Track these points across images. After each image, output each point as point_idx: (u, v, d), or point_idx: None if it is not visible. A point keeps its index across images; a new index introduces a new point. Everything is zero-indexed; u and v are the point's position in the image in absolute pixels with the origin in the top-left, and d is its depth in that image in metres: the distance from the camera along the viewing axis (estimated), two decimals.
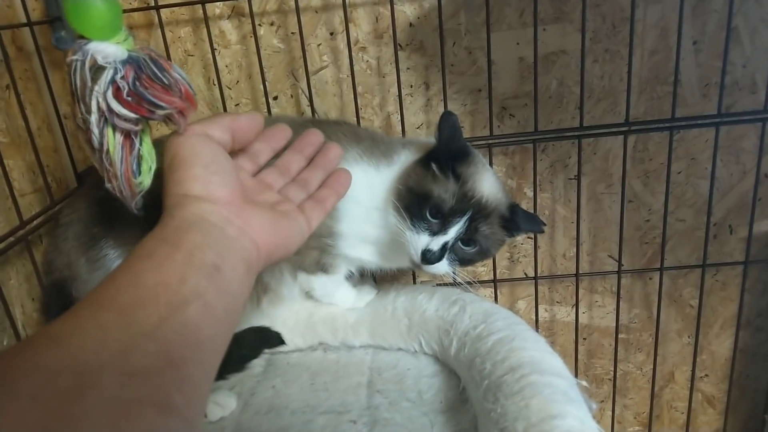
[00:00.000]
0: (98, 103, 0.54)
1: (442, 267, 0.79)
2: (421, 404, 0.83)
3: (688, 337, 1.24)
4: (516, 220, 0.83)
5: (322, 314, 0.95)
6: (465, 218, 0.78)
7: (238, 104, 1.08)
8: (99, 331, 0.39)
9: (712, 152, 1.02)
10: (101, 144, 0.56)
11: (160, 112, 0.56)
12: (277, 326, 0.94)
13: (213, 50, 0.98)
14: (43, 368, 0.35)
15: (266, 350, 0.95)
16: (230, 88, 1.07)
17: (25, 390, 0.33)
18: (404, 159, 0.84)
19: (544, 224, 0.89)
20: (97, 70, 0.54)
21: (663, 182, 1.06)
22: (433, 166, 0.79)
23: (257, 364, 0.93)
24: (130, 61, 0.55)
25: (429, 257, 0.77)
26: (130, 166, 0.57)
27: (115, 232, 0.80)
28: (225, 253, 0.50)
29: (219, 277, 0.48)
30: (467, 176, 0.79)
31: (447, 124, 0.78)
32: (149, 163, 0.59)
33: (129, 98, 0.54)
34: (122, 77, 0.54)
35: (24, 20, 0.91)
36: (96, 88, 0.54)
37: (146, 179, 0.59)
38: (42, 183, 0.91)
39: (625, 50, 1.01)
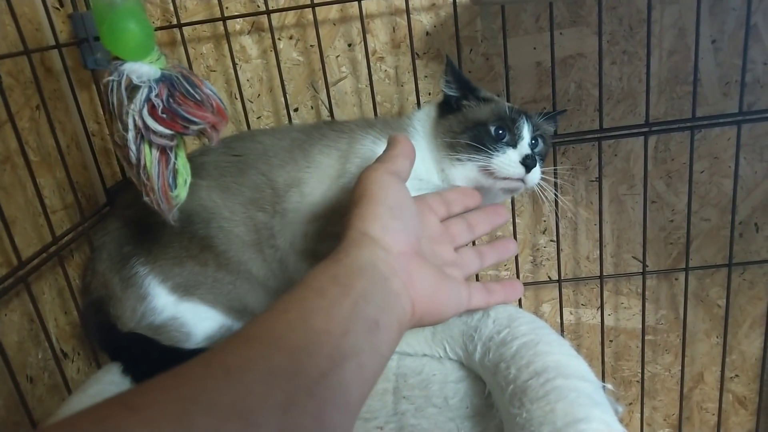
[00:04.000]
0: (134, 120, 0.56)
1: (539, 171, 0.78)
2: (447, 410, 0.83)
3: (717, 337, 1.23)
4: (540, 114, 0.85)
5: None
6: (525, 117, 0.79)
7: (259, 117, 1.10)
8: (269, 375, 0.38)
9: (735, 150, 1.01)
10: (138, 160, 0.58)
11: (194, 128, 0.58)
12: None
13: (234, 65, 1.00)
14: (218, 408, 0.35)
15: None
16: (252, 102, 1.09)
17: (200, 426, 0.33)
18: (419, 127, 0.86)
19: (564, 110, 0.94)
20: (133, 89, 0.57)
21: (686, 182, 1.06)
22: (464, 102, 0.82)
23: None
24: (164, 79, 0.57)
25: (529, 162, 0.75)
26: (166, 179, 0.59)
27: (144, 249, 0.83)
28: (385, 309, 0.49)
29: (376, 335, 0.46)
30: (491, 98, 0.83)
31: (450, 66, 0.82)
32: (184, 177, 0.61)
33: (164, 115, 0.56)
34: (156, 95, 0.56)
35: (52, 42, 0.93)
36: (132, 106, 0.56)
37: (182, 192, 0.61)
38: (72, 199, 0.93)
39: (643, 51, 1.01)
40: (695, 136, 1.02)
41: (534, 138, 0.80)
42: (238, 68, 1.04)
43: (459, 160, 0.78)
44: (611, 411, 0.69)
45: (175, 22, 0.98)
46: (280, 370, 0.39)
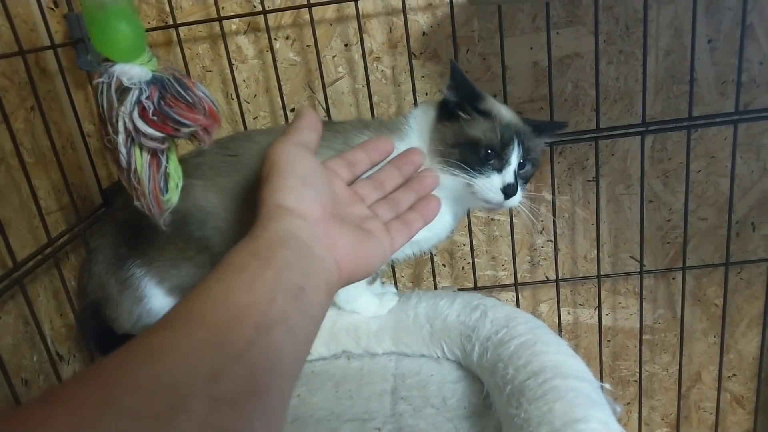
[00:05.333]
0: (125, 123, 0.56)
1: (519, 196, 0.80)
2: (445, 410, 0.83)
3: (714, 336, 1.23)
4: (539, 128, 0.85)
5: (344, 322, 0.96)
6: (516, 143, 0.80)
7: (256, 117, 1.10)
8: (193, 350, 0.39)
9: (732, 150, 1.01)
10: (129, 163, 0.57)
11: (185, 130, 0.57)
12: None
13: (231, 65, 1.00)
14: (141, 386, 0.35)
15: None
16: (248, 102, 1.09)
17: (125, 408, 0.33)
18: (415, 126, 0.86)
19: (565, 123, 0.93)
20: (123, 91, 0.56)
21: (683, 181, 1.06)
22: (461, 114, 0.81)
23: None
24: (155, 81, 0.57)
25: (510, 191, 0.78)
26: (157, 183, 0.59)
27: (139, 251, 0.82)
28: (310, 274, 0.50)
29: (303, 300, 0.47)
30: (490, 109, 0.82)
31: (457, 72, 0.80)
32: (176, 180, 0.60)
33: (154, 117, 0.56)
34: (147, 97, 0.56)
35: (47, 43, 0.93)
36: (122, 109, 0.55)
37: (174, 196, 0.60)
38: (68, 201, 0.93)
39: (640, 51, 1.01)
40: (692, 135, 1.02)
41: (522, 161, 0.81)
42: (234, 69, 1.03)
43: (449, 169, 0.80)
44: (609, 411, 0.69)
45: (171, 22, 0.97)
46: (204, 344, 0.39)
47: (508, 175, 0.79)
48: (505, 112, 0.84)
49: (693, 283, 1.19)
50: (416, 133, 0.84)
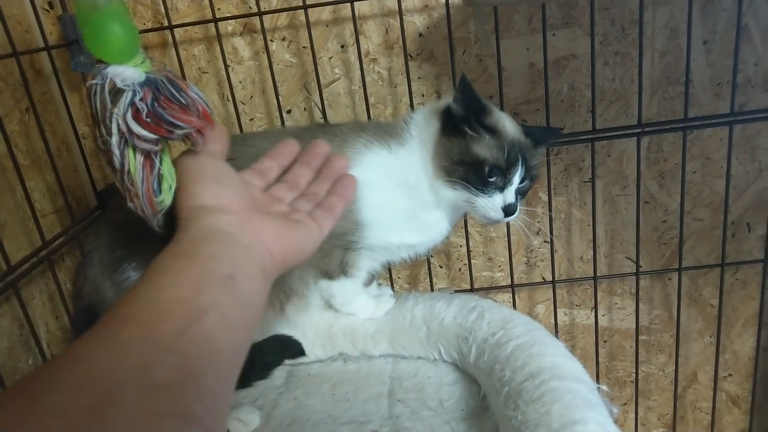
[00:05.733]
0: (118, 125, 0.55)
1: (518, 212, 0.83)
2: (442, 412, 0.83)
3: (710, 336, 1.23)
4: (538, 138, 0.86)
5: (341, 325, 0.96)
6: (520, 162, 0.81)
7: (252, 119, 1.09)
8: (120, 346, 0.40)
9: (727, 151, 1.01)
10: (122, 165, 0.57)
11: (179, 132, 0.57)
12: (298, 337, 0.95)
13: (226, 67, 0.99)
14: (67, 385, 0.36)
15: (287, 361, 0.96)
16: (244, 104, 1.08)
17: (50, 407, 0.34)
18: (416, 134, 0.86)
19: (560, 129, 0.94)
20: (116, 93, 0.56)
21: (678, 182, 1.06)
22: (468, 131, 0.82)
23: (278, 376, 0.94)
24: (148, 82, 0.57)
25: (510, 209, 0.81)
26: (151, 185, 0.58)
27: (136, 253, 0.82)
28: (240, 263, 0.51)
29: (235, 287, 0.48)
30: (495, 125, 0.82)
31: (466, 85, 0.80)
32: (169, 182, 0.60)
33: (148, 119, 0.55)
34: (141, 99, 0.55)
35: (41, 44, 0.93)
36: (116, 110, 0.55)
37: (167, 198, 0.60)
38: (62, 203, 0.92)
39: (636, 52, 1.01)
40: (687, 136, 1.02)
41: (523, 179, 0.83)
42: (230, 70, 1.03)
43: (452, 185, 0.82)
44: (606, 413, 0.69)
45: (166, 23, 0.97)
46: (132, 339, 0.40)
47: (510, 195, 0.81)
48: (509, 127, 0.84)
49: (689, 283, 1.19)
50: (418, 142, 0.84)
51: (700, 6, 0.99)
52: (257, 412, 0.85)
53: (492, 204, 0.81)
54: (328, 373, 0.94)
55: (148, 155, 0.58)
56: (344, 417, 0.83)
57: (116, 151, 0.57)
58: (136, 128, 0.55)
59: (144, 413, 0.37)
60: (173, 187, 0.61)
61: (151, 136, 0.56)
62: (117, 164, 0.57)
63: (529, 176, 0.84)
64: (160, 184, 0.60)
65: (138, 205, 0.60)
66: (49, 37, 0.95)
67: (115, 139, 0.56)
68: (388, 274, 1.15)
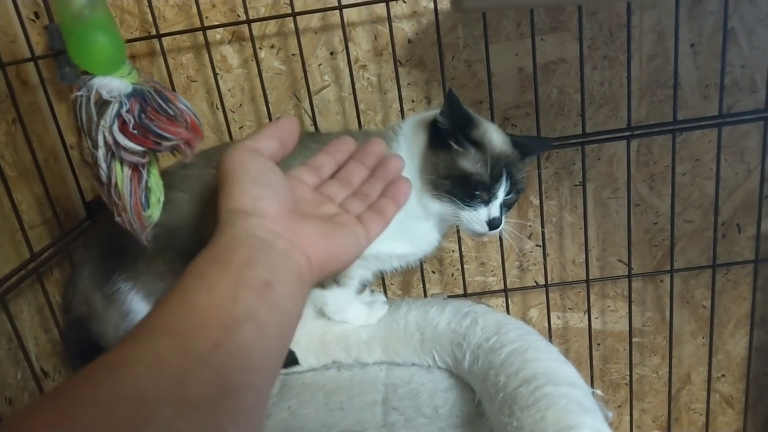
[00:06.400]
0: (105, 137, 0.55)
1: (503, 225, 0.84)
2: (437, 419, 0.83)
3: (703, 338, 1.24)
4: (525, 149, 0.87)
5: (334, 333, 0.95)
6: (505, 176, 0.82)
7: (242, 127, 1.09)
8: (156, 358, 0.38)
9: (716, 152, 1.02)
10: (109, 178, 0.56)
11: (167, 144, 0.56)
12: (291, 346, 0.95)
13: (215, 75, 0.99)
14: (102, 400, 0.35)
15: (281, 370, 0.96)
16: (234, 112, 1.08)
17: (85, 423, 0.33)
18: (404, 146, 0.86)
19: (551, 139, 0.95)
20: (103, 104, 0.55)
21: (668, 184, 1.06)
22: (453, 145, 0.82)
23: None
24: (135, 94, 0.56)
25: (495, 223, 0.82)
26: (139, 198, 0.58)
27: (126, 265, 0.81)
28: (275, 268, 0.49)
29: (270, 294, 0.46)
30: (482, 139, 0.83)
31: (452, 100, 0.80)
32: (158, 195, 0.59)
33: (135, 131, 0.55)
34: (128, 111, 0.55)
35: (28, 55, 0.92)
36: (102, 122, 0.54)
37: (155, 211, 0.59)
38: (51, 214, 0.92)
39: (624, 56, 1.02)
40: (677, 139, 1.03)
41: (508, 192, 0.84)
42: (219, 78, 1.03)
43: (439, 198, 0.82)
44: (601, 417, 0.69)
45: (154, 32, 0.96)
46: (168, 351, 0.39)
47: (495, 209, 0.82)
48: (496, 140, 0.84)
49: (681, 285, 1.20)
50: (406, 154, 0.84)
51: (686, 9, 1.00)
52: None
53: (477, 218, 0.81)
54: (321, 381, 0.94)
55: (135, 168, 0.57)
56: (339, 426, 0.83)
57: (103, 164, 0.56)
58: (123, 140, 0.55)
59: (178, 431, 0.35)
60: (161, 200, 0.60)
61: (139, 148, 0.55)
62: (104, 177, 0.56)
63: (514, 190, 0.85)
64: (148, 197, 0.59)
65: (126, 219, 0.59)
66: (36, 48, 0.95)
67: (101, 152, 0.55)
68: (380, 280, 1.14)
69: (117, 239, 0.82)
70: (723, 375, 1.28)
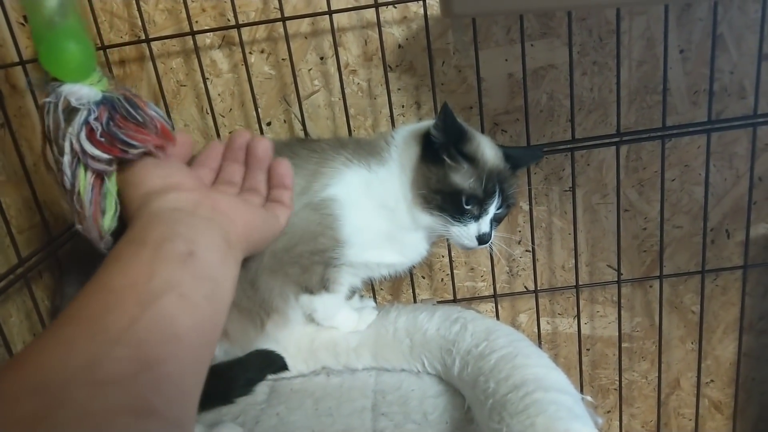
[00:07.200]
0: (71, 144, 0.54)
1: (492, 239, 0.84)
2: (426, 426, 0.83)
3: (692, 343, 1.24)
4: (516, 161, 0.87)
5: (323, 339, 0.95)
6: (497, 192, 0.82)
7: (231, 132, 1.09)
8: (62, 346, 0.38)
9: (705, 158, 1.03)
10: (73, 185, 0.56)
11: (134, 151, 0.56)
12: (280, 352, 0.94)
13: (205, 80, 0.99)
14: (7, 394, 0.35)
15: (269, 376, 0.95)
16: (223, 116, 1.08)
17: None
18: (396, 157, 0.85)
19: (541, 150, 0.95)
20: (71, 111, 0.55)
21: (658, 190, 1.06)
22: (446, 159, 0.81)
23: (260, 392, 0.93)
24: (104, 101, 0.55)
25: (485, 238, 0.82)
26: (98, 206, 0.57)
27: None
28: (197, 237, 0.49)
29: (194, 263, 0.46)
30: (475, 153, 0.82)
31: (447, 114, 0.79)
32: (114, 205, 0.59)
33: (102, 139, 0.54)
34: (96, 118, 0.54)
35: (16, 59, 0.91)
36: (69, 129, 0.54)
37: (113, 221, 0.59)
38: (39, 219, 0.91)
39: (613, 62, 1.02)
40: (666, 144, 1.03)
41: (499, 207, 0.84)
42: (208, 83, 1.02)
43: (429, 212, 0.82)
44: (591, 423, 0.69)
45: (143, 37, 0.96)
46: (77, 336, 0.39)
47: (485, 224, 0.82)
48: (489, 154, 0.84)
49: (670, 290, 1.20)
50: (398, 165, 0.84)
51: (676, 15, 1.01)
52: (239, 429, 0.84)
53: (467, 233, 0.82)
54: (310, 387, 0.93)
55: (99, 176, 0.56)
56: None
57: (67, 171, 0.55)
58: (90, 148, 0.54)
59: (93, 412, 0.35)
60: (118, 211, 0.59)
61: (105, 156, 0.55)
62: (67, 184, 0.56)
63: (505, 204, 0.85)
64: (106, 206, 0.58)
65: (85, 227, 0.58)
66: (24, 52, 0.94)
67: (67, 159, 0.55)
68: (370, 286, 1.14)
69: None
70: (712, 380, 1.28)
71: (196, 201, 0.52)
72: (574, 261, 1.10)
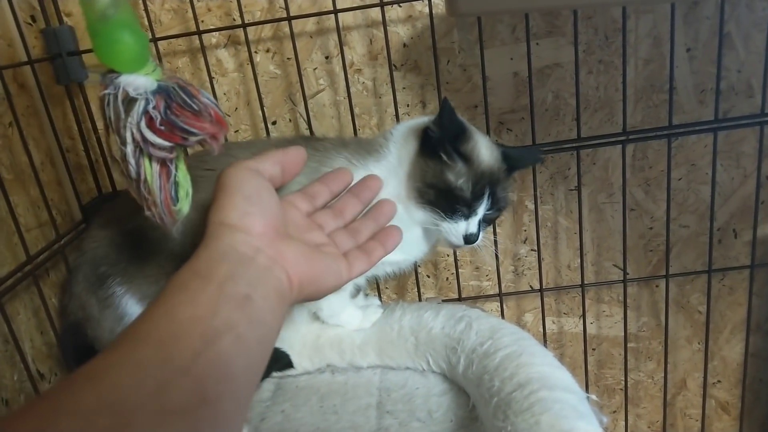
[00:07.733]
0: (132, 134, 0.55)
1: (480, 239, 0.84)
2: (431, 424, 0.83)
3: (698, 343, 1.24)
4: (515, 163, 0.87)
5: (328, 336, 0.95)
6: (487, 195, 0.82)
7: (237, 131, 1.09)
8: (136, 367, 0.39)
9: (712, 157, 1.02)
10: (138, 174, 0.57)
11: (193, 138, 0.57)
12: (285, 349, 0.95)
13: (211, 79, 0.99)
14: (82, 408, 0.35)
15: (275, 373, 0.96)
16: (229, 115, 1.08)
17: (66, 431, 0.34)
18: (395, 152, 0.85)
19: (541, 152, 0.95)
20: (129, 102, 0.56)
21: (664, 189, 1.06)
22: (443, 156, 0.81)
23: (266, 389, 0.93)
24: (160, 90, 0.56)
25: (471, 239, 0.82)
26: (168, 193, 0.59)
27: (120, 269, 0.81)
28: (256, 283, 0.50)
29: (250, 307, 0.48)
30: (470, 153, 0.82)
31: (446, 110, 0.79)
32: (186, 189, 0.60)
33: (162, 127, 0.55)
34: (154, 107, 0.55)
35: (25, 58, 0.92)
36: (129, 119, 0.55)
37: (185, 205, 0.60)
38: (47, 217, 0.92)
39: (619, 60, 1.02)
40: (672, 143, 1.03)
41: (490, 207, 0.84)
42: (214, 82, 1.03)
43: (422, 206, 0.82)
44: (596, 422, 0.69)
45: (150, 36, 0.96)
46: (148, 361, 0.40)
47: (473, 225, 0.82)
48: (484, 155, 0.83)
49: (676, 290, 1.20)
50: (396, 159, 0.84)
51: (682, 14, 1.00)
52: (245, 426, 0.85)
53: (455, 230, 0.82)
54: (316, 385, 0.94)
55: (164, 163, 0.58)
56: (332, 429, 0.83)
57: (132, 161, 0.57)
58: (151, 136, 0.55)
59: None
60: (190, 194, 0.61)
61: (166, 143, 0.56)
62: (133, 173, 0.57)
63: (495, 207, 0.85)
64: (177, 191, 0.60)
65: (156, 213, 0.59)
66: (33, 51, 0.95)
67: (129, 148, 0.56)
68: (375, 284, 1.14)
69: (111, 243, 0.82)
70: (719, 381, 1.27)
71: (257, 247, 0.53)
72: (579, 260, 1.10)
